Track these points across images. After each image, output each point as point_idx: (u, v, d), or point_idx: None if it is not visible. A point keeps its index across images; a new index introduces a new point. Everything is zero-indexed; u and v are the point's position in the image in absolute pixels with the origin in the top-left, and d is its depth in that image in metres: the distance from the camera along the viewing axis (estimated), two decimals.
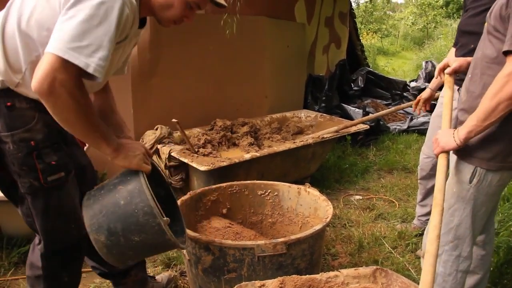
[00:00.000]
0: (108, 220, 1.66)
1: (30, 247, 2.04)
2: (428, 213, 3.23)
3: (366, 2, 8.04)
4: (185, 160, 3.18)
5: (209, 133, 3.91)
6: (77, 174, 1.94)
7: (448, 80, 2.25)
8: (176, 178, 3.36)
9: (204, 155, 3.43)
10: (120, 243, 1.67)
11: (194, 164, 3.09)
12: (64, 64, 1.44)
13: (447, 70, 2.29)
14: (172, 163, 3.33)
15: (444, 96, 2.19)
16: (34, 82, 1.45)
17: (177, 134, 3.65)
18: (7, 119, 1.68)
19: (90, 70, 1.46)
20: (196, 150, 3.49)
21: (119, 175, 1.78)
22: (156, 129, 3.56)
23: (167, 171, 3.34)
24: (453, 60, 2.29)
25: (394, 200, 4.05)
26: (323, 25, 6.50)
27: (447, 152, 1.95)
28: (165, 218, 1.68)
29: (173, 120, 3.26)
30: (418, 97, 3.31)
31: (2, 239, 3.00)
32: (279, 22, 4.97)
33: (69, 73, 1.45)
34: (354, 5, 9.18)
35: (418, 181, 3.39)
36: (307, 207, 2.69)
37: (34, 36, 1.62)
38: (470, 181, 1.95)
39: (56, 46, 1.44)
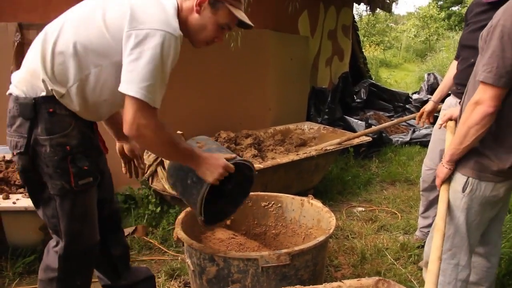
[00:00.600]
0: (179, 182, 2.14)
1: (45, 251, 2.09)
2: (430, 225, 3.26)
3: (369, 14, 8.12)
4: None
5: None
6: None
7: (450, 125, 2.37)
8: None
9: None
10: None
11: None
12: (142, 105, 1.69)
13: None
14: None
15: (446, 140, 2.30)
16: (126, 127, 1.71)
17: None
18: (47, 124, 1.80)
19: (157, 105, 1.74)
20: None
21: None
22: None
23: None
24: (456, 112, 2.37)
25: (397, 212, 4.07)
26: (326, 38, 6.57)
27: (446, 182, 2.09)
28: (200, 217, 2.04)
29: (178, 132, 3.30)
30: (421, 110, 3.35)
31: (7, 249, 3.02)
32: (282, 35, 5.03)
33: (147, 114, 1.71)
34: (356, 17, 9.25)
35: (420, 192, 3.41)
36: (310, 218, 2.72)
37: (88, 58, 1.78)
38: (463, 190, 2.02)
39: (131, 90, 1.67)
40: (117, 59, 1.74)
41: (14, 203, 2.90)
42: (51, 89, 1.79)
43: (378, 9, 7.55)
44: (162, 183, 3.40)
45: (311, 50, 5.95)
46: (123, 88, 1.69)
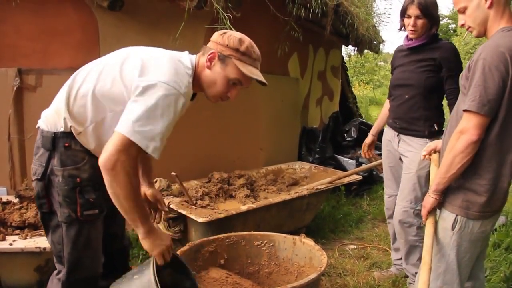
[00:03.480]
0: None
1: (49, 280, 2.18)
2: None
3: (357, 55, 8.36)
4: (184, 212, 3.27)
5: (207, 185, 4.01)
6: (108, 215, 2.13)
7: (434, 158, 2.46)
8: (175, 229, 3.43)
9: (202, 207, 3.53)
10: None
11: (192, 216, 3.18)
12: (129, 144, 1.76)
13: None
14: (170, 215, 3.41)
15: (431, 173, 2.42)
16: (103, 157, 1.76)
17: (175, 187, 3.75)
18: (63, 156, 1.96)
19: (149, 151, 1.80)
20: (194, 202, 3.58)
21: (139, 266, 2.01)
22: (155, 181, 3.65)
23: (166, 222, 3.43)
24: (440, 144, 2.50)
25: (388, 249, 4.11)
26: (316, 79, 6.72)
27: (432, 213, 2.16)
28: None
29: (172, 173, 3.37)
30: (363, 144, 3.73)
31: None
32: (273, 77, 5.14)
33: (130, 154, 1.77)
34: (345, 57, 9.48)
35: (387, 221, 3.55)
36: (303, 257, 2.77)
37: (105, 103, 1.93)
38: (453, 228, 2.09)
39: (124, 128, 1.76)
40: None
41: (10, 244, 2.93)
42: (70, 126, 1.95)
43: (366, 49, 7.76)
44: (156, 224, 3.45)
45: (301, 91, 6.08)
46: (118, 127, 1.79)
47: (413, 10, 3.00)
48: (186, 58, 2.00)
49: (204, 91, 2.09)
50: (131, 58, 1.97)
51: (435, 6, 3.04)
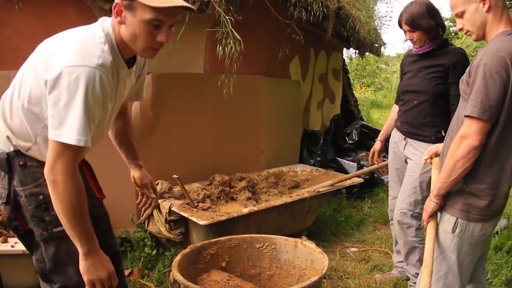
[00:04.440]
0: None
1: None
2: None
3: (358, 58, 8.37)
4: (185, 215, 3.28)
5: (208, 188, 4.02)
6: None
7: (435, 162, 2.47)
8: (176, 232, 3.44)
9: (203, 209, 3.53)
10: None
11: (194, 219, 3.19)
12: (61, 148, 1.65)
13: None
14: (172, 217, 3.41)
15: (432, 177, 2.42)
16: (45, 168, 1.68)
17: (177, 189, 3.76)
18: (21, 175, 1.86)
19: (82, 144, 1.65)
20: (196, 204, 3.59)
21: None
22: (157, 184, 3.66)
23: (167, 225, 3.43)
24: (441, 148, 2.52)
25: (390, 252, 4.11)
26: (317, 82, 6.73)
27: (433, 217, 2.16)
28: None
29: (174, 176, 3.38)
30: (372, 150, 3.70)
31: None
32: (274, 80, 5.17)
33: (66, 157, 1.66)
34: (347, 60, 9.49)
35: (390, 222, 3.55)
36: (304, 259, 2.77)
37: (37, 111, 1.79)
38: (453, 231, 2.10)
39: (51, 133, 1.66)
40: None
41: (12, 246, 2.94)
42: (16, 145, 1.86)
43: (367, 52, 7.76)
44: (158, 226, 3.46)
45: (302, 94, 6.09)
46: (49, 135, 1.67)
47: (404, 27, 3.08)
48: (97, 26, 1.81)
49: (133, 49, 1.83)
50: (39, 54, 1.82)
51: (423, 16, 3.00)
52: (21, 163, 1.87)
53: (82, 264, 1.78)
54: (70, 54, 1.68)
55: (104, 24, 1.83)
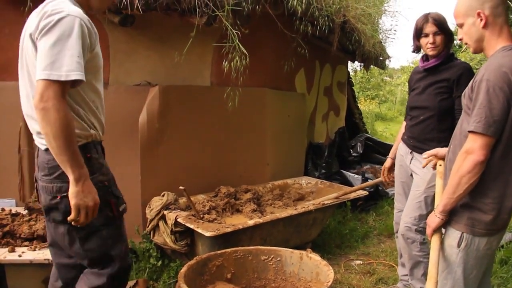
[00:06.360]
0: None
1: (80, 279, 2.27)
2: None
3: (363, 71, 8.40)
4: (191, 226, 3.30)
5: (214, 199, 4.04)
6: None
7: (439, 170, 2.48)
8: (182, 243, 3.45)
9: (209, 221, 3.55)
10: None
11: (199, 230, 3.20)
12: (48, 84, 1.82)
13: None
14: (178, 229, 3.43)
15: (436, 186, 2.43)
16: (35, 99, 1.84)
17: (182, 200, 3.78)
18: (89, 167, 2.03)
19: (71, 78, 1.84)
20: (201, 216, 3.61)
21: None
22: (163, 195, 3.68)
23: (173, 236, 3.45)
24: (441, 151, 2.55)
25: (394, 265, 4.12)
26: (322, 95, 6.75)
27: (437, 231, 2.16)
28: None
29: (180, 187, 3.40)
30: (383, 168, 3.72)
31: None
32: (280, 93, 5.20)
33: (53, 90, 1.82)
34: (351, 72, 9.53)
35: (395, 235, 3.54)
36: (309, 272, 2.78)
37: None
38: (459, 245, 2.10)
39: (38, 74, 1.84)
40: None
41: (19, 256, 2.97)
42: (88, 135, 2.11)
43: (372, 65, 7.80)
44: (164, 237, 3.48)
45: (308, 107, 6.11)
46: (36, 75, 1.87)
47: (430, 28, 3.06)
48: None
49: (92, 8, 2.19)
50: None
51: (447, 21, 3.10)
52: (88, 155, 2.08)
53: (72, 189, 1.92)
54: (52, 9, 1.93)
55: None
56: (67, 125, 1.85)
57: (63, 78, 1.82)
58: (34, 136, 2.14)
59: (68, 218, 1.96)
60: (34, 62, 1.94)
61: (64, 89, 1.86)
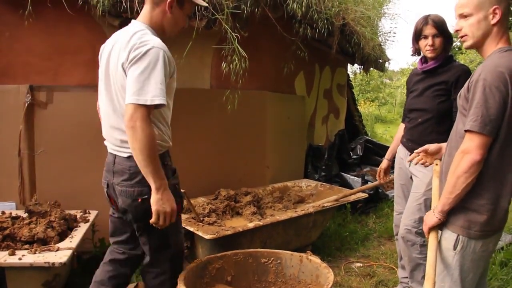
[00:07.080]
0: None
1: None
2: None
3: (362, 73, 8.39)
4: (191, 229, 3.30)
5: (214, 202, 4.04)
6: None
7: (436, 170, 2.48)
8: None
9: (209, 223, 3.55)
10: None
11: (199, 233, 3.21)
12: (136, 107, 2.10)
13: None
14: None
15: (433, 186, 2.43)
16: (125, 118, 2.13)
17: None
18: (166, 172, 2.30)
19: (155, 102, 2.11)
20: (201, 219, 3.61)
21: None
22: None
23: None
24: (431, 147, 2.58)
25: (394, 267, 4.12)
26: (322, 97, 6.75)
27: (434, 229, 2.16)
28: None
29: (181, 190, 3.40)
30: (378, 169, 3.73)
31: None
32: (280, 95, 5.21)
33: (141, 112, 2.10)
34: (351, 75, 9.53)
35: (395, 237, 3.55)
36: (309, 274, 2.79)
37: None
38: (455, 248, 2.10)
39: (128, 98, 2.12)
40: None
41: (20, 259, 2.96)
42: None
43: (371, 68, 7.80)
44: None
45: (307, 109, 6.12)
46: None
47: (429, 30, 3.07)
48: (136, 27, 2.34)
49: (165, 34, 2.49)
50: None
51: (446, 24, 3.11)
52: (165, 163, 2.38)
53: (153, 197, 2.20)
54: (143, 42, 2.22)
55: (138, 24, 2.40)
56: (151, 142, 2.13)
57: (148, 103, 2.10)
58: (113, 146, 2.40)
59: (150, 221, 2.24)
60: (124, 84, 2.22)
61: (149, 112, 2.14)
